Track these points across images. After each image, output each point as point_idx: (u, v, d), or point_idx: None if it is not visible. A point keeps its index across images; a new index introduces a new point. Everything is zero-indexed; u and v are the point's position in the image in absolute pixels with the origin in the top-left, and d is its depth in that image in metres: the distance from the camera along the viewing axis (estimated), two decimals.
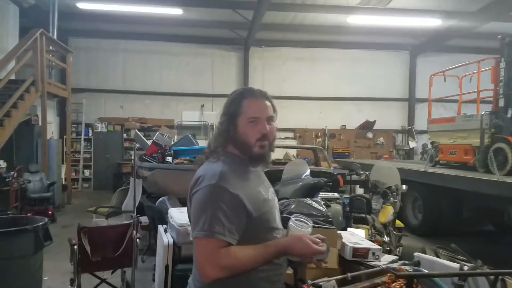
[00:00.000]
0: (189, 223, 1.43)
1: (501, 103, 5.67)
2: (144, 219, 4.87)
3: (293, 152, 10.92)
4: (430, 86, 7.88)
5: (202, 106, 12.50)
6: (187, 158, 5.70)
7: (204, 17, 10.82)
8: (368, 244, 2.33)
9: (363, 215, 3.55)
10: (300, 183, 4.43)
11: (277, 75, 12.77)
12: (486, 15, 9.75)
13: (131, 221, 3.51)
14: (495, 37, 11.46)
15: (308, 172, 4.74)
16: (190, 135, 7.30)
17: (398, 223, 4.56)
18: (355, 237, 2.48)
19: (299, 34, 11.99)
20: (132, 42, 12.20)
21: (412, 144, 12.74)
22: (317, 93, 12.63)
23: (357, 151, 12.56)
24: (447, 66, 7.93)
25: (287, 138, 12.29)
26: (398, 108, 13.27)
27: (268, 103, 1.43)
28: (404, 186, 4.25)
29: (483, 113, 6.02)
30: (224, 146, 1.42)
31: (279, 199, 4.29)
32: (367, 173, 4.51)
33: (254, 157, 1.40)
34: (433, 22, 10.33)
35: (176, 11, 10.17)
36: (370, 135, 12.80)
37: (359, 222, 3.50)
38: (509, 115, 5.41)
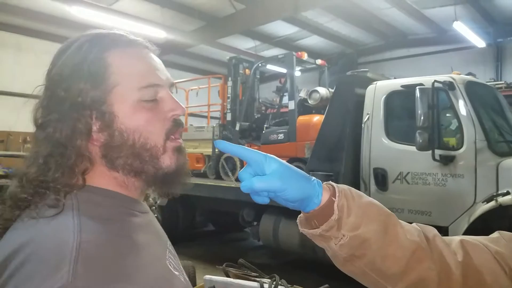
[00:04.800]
0: None
1: (229, 117, 6.36)
2: None
3: None
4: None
5: None
6: None
7: None
8: None
9: None
10: None
11: None
12: (198, 37, 10.90)
13: None
14: (203, 59, 13.35)
15: None
16: None
17: None
18: None
19: (1, 15, 9.64)
20: None
21: None
22: (27, 89, 10.32)
23: None
24: None
25: None
26: None
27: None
28: (162, 199, 4.01)
29: (214, 125, 6.63)
30: (71, 174, 0.65)
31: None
32: None
33: (167, 178, 0.70)
34: (158, 34, 10.62)
35: None
36: None
37: None
38: (237, 128, 6.12)
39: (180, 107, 0.72)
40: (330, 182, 0.72)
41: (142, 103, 0.68)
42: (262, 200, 0.69)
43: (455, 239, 0.74)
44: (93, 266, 0.54)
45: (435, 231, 0.74)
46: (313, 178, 0.71)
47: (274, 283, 2.08)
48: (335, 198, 0.68)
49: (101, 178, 0.68)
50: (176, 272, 0.71)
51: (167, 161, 0.69)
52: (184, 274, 0.76)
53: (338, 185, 0.71)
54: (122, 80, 0.67)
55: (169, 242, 0.81)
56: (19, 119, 9.31)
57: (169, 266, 0.70)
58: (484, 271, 0.69)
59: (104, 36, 0.71)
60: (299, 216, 0.76)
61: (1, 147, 9.86)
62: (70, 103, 0.65)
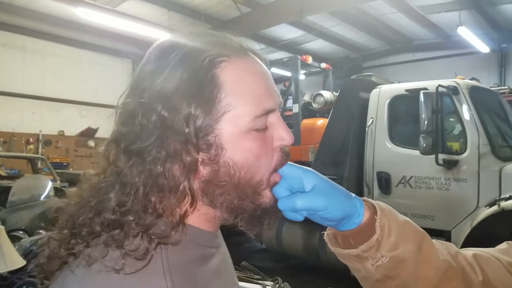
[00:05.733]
0: None
1: None
2: None
3: None
4: None
5: None
6: None
7: None
8: None
9: None
10: (40, 208, 3.47)
11: None
12: None
13: None
14: None
15: (49, 191, 3.80)
16: None
17: None
18: None
19: (8, 16, 9.74)
20: None
21: None
22: (30, 91, 10.52)
23: (77, 161, 11.35)
24: None
25: None
26: None
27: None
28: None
29: None
30: (170, 219, 0.55)
31: (9, 232, 3.25)
32: None
33: (263, 215, 0.62)
34: (165, 37, 10.69)
35: None
36: (91, 143, 11.84)
37: None
38: None
39: (290, 136, 0.61)
40: (366, 198, 0.68)
41: (252, 133, 0.57)
42: (297, 217, 0.62)
43: (468, 254, 0.72)
44: None
45: (455, 247, 0.73)
46: (353, 195, 0.66)
47: (277, 286, 2.09)
48: (377, 216, 0.64)
49: (191, 213, 0.59)
50: None
51: (267, 197, 0.61)
52: None
53: (377, 202, 0.67)
54: (235, 105, 0.56)
55: (234, 272, 0.76)
56: (23, 120, 9.45)
57: None
58: (499, 286, 0.69)
59: (212, 43, 0.59)
60: (326, 233, 0.71)
61: (4, 148, 9.94)
62: (177, 130, 0.54)
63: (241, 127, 0.56)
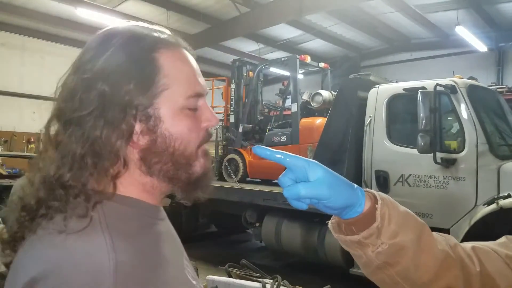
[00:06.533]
0: None
1: (232, 119, 6.40)
2: None
3: None
4: None
5: None
6: None
7: None
8: None
9: None
10: None
11: None
12: (202, 40, 10.96)
13: None
14: (207, 62, 13.38)
15: None
16: None
17: None
18: None
19: (6, 15, 9.74)
20: None
21: None
22: (31, 90, 10.54)
23: None
24: None
25: None
26: None
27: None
28: (167, 200, 4.05)
29: (217, 127, 6.65)
30: (103, 178, 0.62)
31: None
32: None
33: (197, 183, 0.69)
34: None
35: None
36: None
37: None
38: (240, 130, 6.16)
39: (215, 118, 0.71)
40: (368, 189, 0.72)
41: (185, 111, 0.66)
42: (301, 206, 0.67)
43: (467, 246, 0.75)
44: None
45: (455, 239, 0.75)
46: (356, 185, 0.70)
47: (276, 283, 2.10)
48: (378, 205, 0.68)
49: (127, 184, 0.65)
50: (194, 282, 0.71)
51: (198, 166, 0.68)
52: (200, 282, 0.75)
53: (379, 193, 0.71)
54: (171, 85, 0.65)
55: (182, 247, 0.79)
56: (23, 119, 9.45)
57: (188, 275, 0.71)
58: (497, 278, 0.71)
59: (150, 32, 0.67)
60: (330, 222, 0.75)
61: (5, 147, 9.94)
62: (116, 101, 0.60)
63: (177, 104, 0.65)
